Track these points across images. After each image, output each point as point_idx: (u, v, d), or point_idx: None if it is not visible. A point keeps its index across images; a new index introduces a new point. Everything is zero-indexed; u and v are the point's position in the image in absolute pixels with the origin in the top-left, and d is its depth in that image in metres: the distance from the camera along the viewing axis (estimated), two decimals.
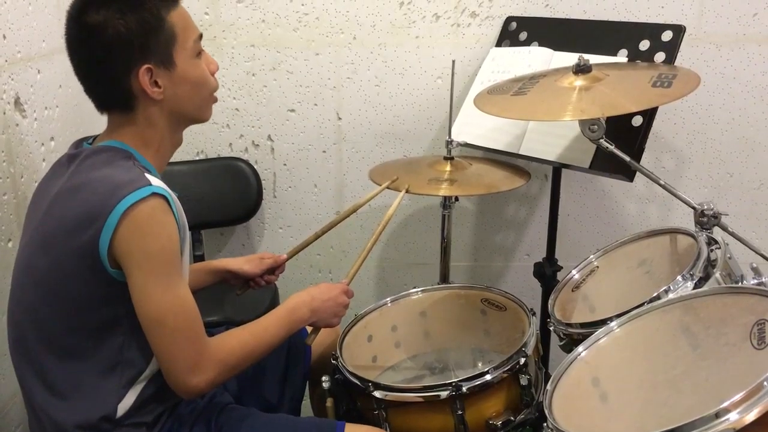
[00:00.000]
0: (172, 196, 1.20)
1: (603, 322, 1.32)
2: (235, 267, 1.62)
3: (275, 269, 1.68)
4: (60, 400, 1.22)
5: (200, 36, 1.29)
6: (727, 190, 2.29)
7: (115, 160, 1.20)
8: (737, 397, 0.92)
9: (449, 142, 1.91)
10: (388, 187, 1.78)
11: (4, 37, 1.56)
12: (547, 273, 2.03)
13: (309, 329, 1.50)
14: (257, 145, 2.30)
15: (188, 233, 1.26)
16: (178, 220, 1.20)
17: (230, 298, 2.04)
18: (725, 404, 0.92)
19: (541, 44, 2.03)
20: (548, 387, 1.18)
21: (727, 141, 2.24)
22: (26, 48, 1.63)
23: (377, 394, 1.42)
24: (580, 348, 1.24)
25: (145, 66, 1.19)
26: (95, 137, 1.29)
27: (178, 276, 1.19)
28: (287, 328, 1.35)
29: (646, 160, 2.23)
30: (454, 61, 1.89)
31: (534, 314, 1.59)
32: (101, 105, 1.26)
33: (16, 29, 1.60)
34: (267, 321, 1.34)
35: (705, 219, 1.51)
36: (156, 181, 1.17)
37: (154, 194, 1.15)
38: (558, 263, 2.05)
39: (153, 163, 1.26)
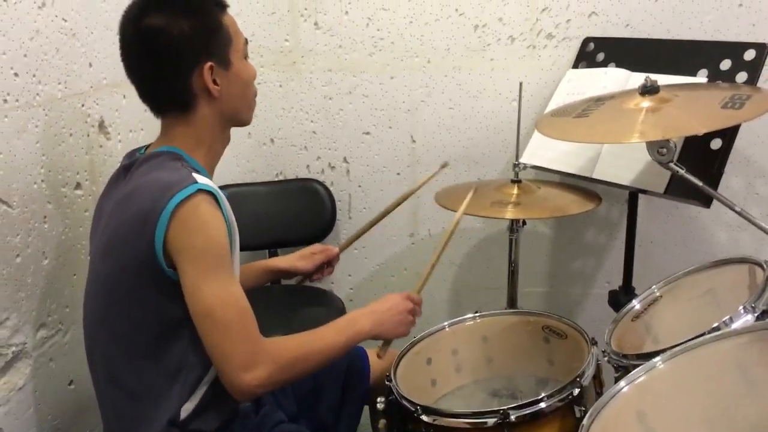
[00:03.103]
0: (220, 193, 1.24)
1: (656, 354, 1.25)
2: (287, 265, 1.66)
3: (330, 262, 1.71)
4: (135, 402, 1.27)
5: (246, 41, 1.36)
6: None
7: (164, 164, 1.26)
8: None
9: (516, 165, 1.88)
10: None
11: (90, 65, 1.68)
12: (623, 301, 1.93)
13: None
14: (333, 167, 2.35)
15: (237, 232, 1.28)
16: (226, 217, 1.23)
17: (294, 315, 2.09)
18: None
19: (618, 65, 1.98)
20: (585, 422, 1.11)
21: None
22: (112, 75, 1.74)
23: (425, 418, 1.40)
24: (624, 382, 1.18)
25: (209, 63, 1.27)
26: (148, 146, 1.36)
27: (228, 271, 1.21)
28: (346, 339, 1.33)
29: (738, 186, 2.12)
30: (521, 84, 1.87)
31: (595, 343, 1.53)
32: (159, 106, 1.32)
33: (102, 57, 1.72)
34: (325, 328, 1.34)
35: None
36: (202, 179, 1.22)
37: (201, 191, 1.19)
38: (635, 291, 1.96)
39: (203, 164, 1.32)
